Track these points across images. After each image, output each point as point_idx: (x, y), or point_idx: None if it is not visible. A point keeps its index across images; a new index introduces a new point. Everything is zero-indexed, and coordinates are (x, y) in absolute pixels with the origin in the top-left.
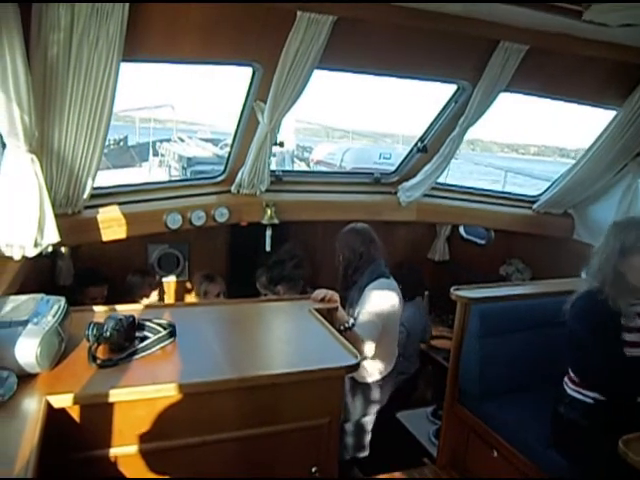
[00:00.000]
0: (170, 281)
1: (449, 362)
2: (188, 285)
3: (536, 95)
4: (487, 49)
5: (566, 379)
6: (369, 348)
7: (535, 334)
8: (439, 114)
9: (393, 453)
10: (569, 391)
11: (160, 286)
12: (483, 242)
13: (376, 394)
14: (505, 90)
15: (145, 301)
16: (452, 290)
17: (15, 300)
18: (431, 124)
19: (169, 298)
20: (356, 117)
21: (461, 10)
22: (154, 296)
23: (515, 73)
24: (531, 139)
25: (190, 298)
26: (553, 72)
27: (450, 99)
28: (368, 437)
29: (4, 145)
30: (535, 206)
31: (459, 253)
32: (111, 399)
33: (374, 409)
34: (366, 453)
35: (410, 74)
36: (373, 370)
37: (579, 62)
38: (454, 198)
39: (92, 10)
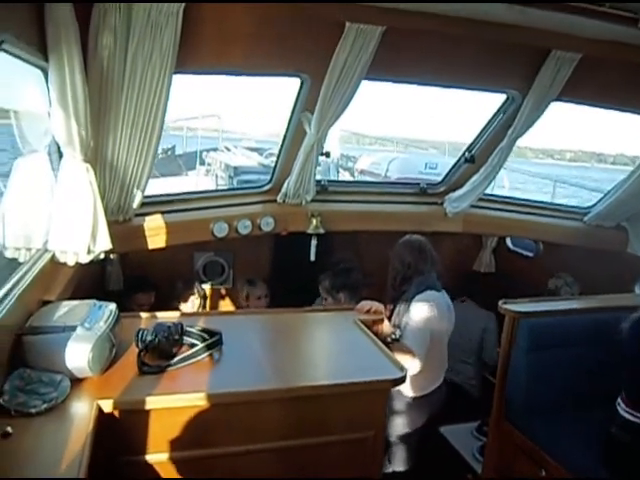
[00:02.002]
0: (213, 288)
1: (495, 377)
2: (232, 293)
3: (588, 104)
4: (537, 58)
5: (619, 399)
6: (415, 362)
7: (585, 351)
8: (487, 124)
9: (436, 468)
10: (622, 412)
11: (203, 293)
12: (531, 254)
13: (404, 409)
14: (556, 99)
15: (189, 308)
16: (500, 303)
17: (68, 305)
18: (479, 134)
19: (211, 306)
20: (390, 124)
21: (513, 19)
22: (197, 304)
23: (566, 82)
24: (566, 144)
25: (229, 306)
26: (606, 81)
27: (499, 109)
28: (395, 450)
29: (61, 154)
30: (587, 218)
31: (505, 265)
32: (154, 405)
33: (400, 427)
34: (397, 468)
35: (458, 84)
36: (405, 385)
37: (633, 71)
38: (501, 209)
39: (147, 22)
